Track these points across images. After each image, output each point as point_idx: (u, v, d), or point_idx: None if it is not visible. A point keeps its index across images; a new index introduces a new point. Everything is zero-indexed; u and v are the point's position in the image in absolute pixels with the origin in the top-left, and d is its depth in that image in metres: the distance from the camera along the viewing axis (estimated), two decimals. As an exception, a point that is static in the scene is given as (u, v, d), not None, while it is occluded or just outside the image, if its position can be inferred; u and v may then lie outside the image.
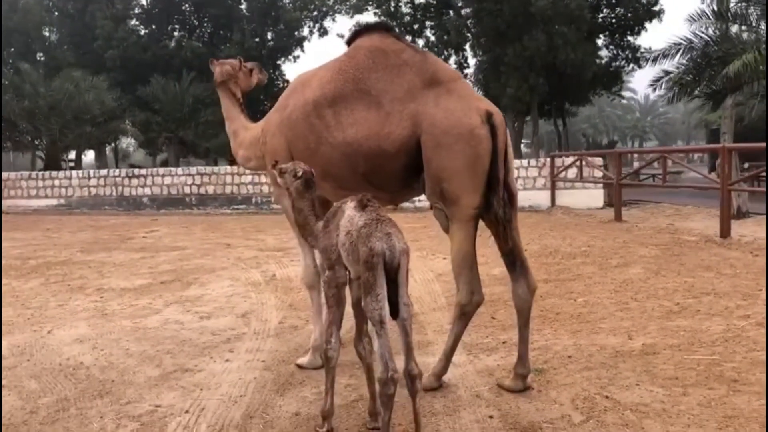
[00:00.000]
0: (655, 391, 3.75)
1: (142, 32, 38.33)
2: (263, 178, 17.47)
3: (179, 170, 18.86)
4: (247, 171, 18.03)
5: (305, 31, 38.82)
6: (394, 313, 3.02)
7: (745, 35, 18.20)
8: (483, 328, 5.16)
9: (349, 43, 4.35)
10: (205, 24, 39.63)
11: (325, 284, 3.39)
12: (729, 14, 18.74)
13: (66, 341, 5.15)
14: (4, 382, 4.21)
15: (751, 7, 18.84)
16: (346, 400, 3.80)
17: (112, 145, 41.39)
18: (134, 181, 18.64)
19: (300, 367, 4.39)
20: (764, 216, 11.28)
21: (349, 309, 3.45)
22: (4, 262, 8.88)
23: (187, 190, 18.02)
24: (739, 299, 5.65)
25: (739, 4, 19.13)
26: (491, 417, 3.51)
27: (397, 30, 32.08)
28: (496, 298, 5.92)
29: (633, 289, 6.28)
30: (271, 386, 4.05)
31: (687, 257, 7.91)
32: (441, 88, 3.88)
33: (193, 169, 18.68)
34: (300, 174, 3.52)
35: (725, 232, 9.19)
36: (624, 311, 5.51)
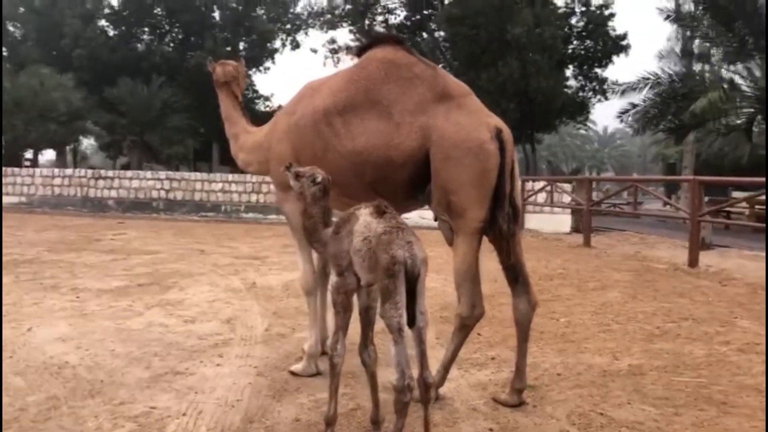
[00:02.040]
0: (648, 410, 3.84)
1: (111, 33, 37.75)
2: (234, 186, 17.35)
3: (148, 174, 18.56)
4: (217, 178, 17.89)
5: (277, 44, 38.85)
6: (411, 321, 3.06)
7: (707, 75, 18.90)
8: (471, 344, 5.19)
9: (359, 53, 4.39)
10: (176, 29, 39.26)
11: (333, 290, 3.39)
12: (693, 53, 19.48)
13: (48, 339, 5.03)
14: (-10, 377, 4.10)
15: (713, 48, 19.61)
16: (345, 408, 3.79)
17: (71, 146, 40.55)
18: (100, 183, 18.27)
19: (294, 374, 4.36)
20: (727, 248, 11.67)
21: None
22: (-30, 257, 8.61)
23: (154, 194, 17.75)
24: (717, 326, 5.82)
25: (704, 44, 19.90)
26: (491, 430, 3.55)
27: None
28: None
29: (612, 311, 6.42)
30: (267, 392, 4.03)
31: (660, 283, 8.12)
32: (452, 102, 3.95)
33: (162, 174, 18.41)
34: (319, 180, 3.53)
35: (693, 262, 9.46)
36: (606, 332, 5.63)
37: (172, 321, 5.72)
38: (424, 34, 29.98)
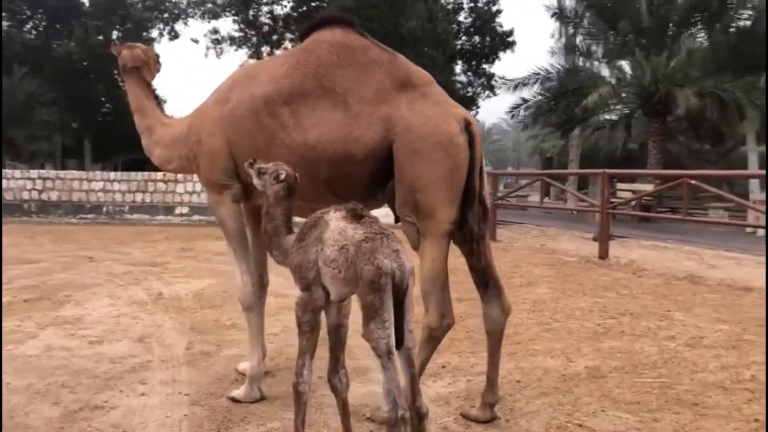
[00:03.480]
0: (624, 417, 3.64)
1: (-39, 18, 34.21)
2: (116, 185, 16.04)
3: (17, 173, 16.79)
4: (97, 177, 16.52)
5: (154, 33, 36.76)
6: (398, 342, 2.65)
7: (594, 70, 19.65)
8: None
9: (303, 36, 3.90)
10: (40, 15, 36.17)
11: (299, 307, 2.92)
12: (577, 49, 20.20)
13: None
14: None
15: (594, 45, 20.44)
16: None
17: None
18: (-42, 184, 16.31)
19: (235, 400, 3.82)
20: (624, 238, 12.08)
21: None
22: None
23: (25, 195, 16.05)
24: (656, 320, 5.81)
25: (584, 41, 20.70)
26: (472, 452, 3.21)
27: (255, 40, 31.38)
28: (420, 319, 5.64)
29: (548, 309, 6.29)
30: (209, 425, 3.48)
31: (580, 277, 8.15)
32: (415, 91, 3.56)
33: (33, 173, 16.70)
34: (283, 177, 3.05)
35: (604, 254, 9.62)
36: (550, 332, 5.46)
37: (74, 343, 4.96)
38: (312, 27, 29.28)
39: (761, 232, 12.09)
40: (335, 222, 2.82)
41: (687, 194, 9.47)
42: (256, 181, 3.15)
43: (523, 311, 6.17)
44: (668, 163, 18.15)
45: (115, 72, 35.70)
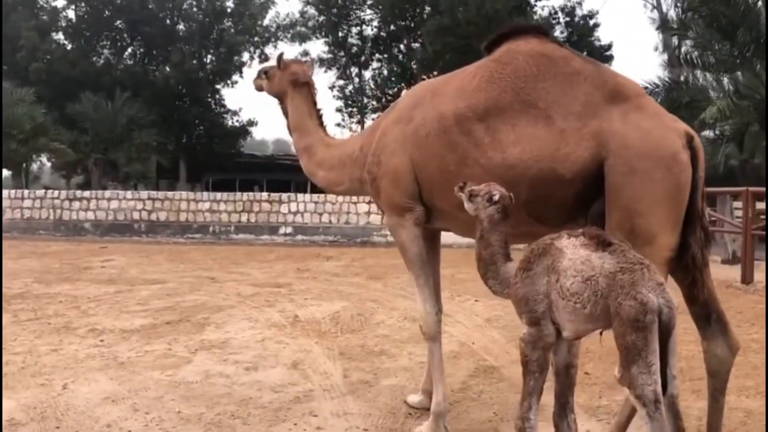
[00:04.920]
0: None
1: (69, 46, 36.09)
2: (222, 206, 16.30)
3: (128, 194, 17.36)
4: (204, 197, 16.85)
5: (245, 57, 37.76)
6: (662, 388, 2.32)
7: (705, 82, 18.66)
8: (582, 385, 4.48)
9: (490, 47, 3.63)
10: (138, 42, 37.81)
11: (526, 344, 2.62)
12: (684, 61, 19.22)
13: (94, 401, 4.11)
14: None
15: (705, 56, 19.27)
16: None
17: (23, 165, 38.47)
18: (75, 204, 16.96)
19: (420, 437, 3.56)
20: (759, 261, 11.23)
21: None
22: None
23: (135, 215, 16.54)
24: None
25: (691, 53, 19.67)
26: None
27: (345, 61, 31.65)
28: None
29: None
30: (404, 466, 3.21)
31: (732, 304, 7.51)
32: (627, 104, 3.22)
33: (143, 194, 17.24)
34: (497, 198, 2.78)
35: (749, 278, 8.91)
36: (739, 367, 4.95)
37: (230, 369, 4.84)
38: (401, 47, 29.42)
39: None
40: (573, 249, 2.53)
41: None
42: (467, 205, 2.90)
43: (685, 341, 5.67)
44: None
45: (208, 96, 37.02)
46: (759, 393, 4.37)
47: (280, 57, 4.48)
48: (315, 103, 4.44)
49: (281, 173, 36.13)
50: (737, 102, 15.12)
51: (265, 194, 16.56)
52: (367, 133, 4.18)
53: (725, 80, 17.67)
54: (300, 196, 16.64)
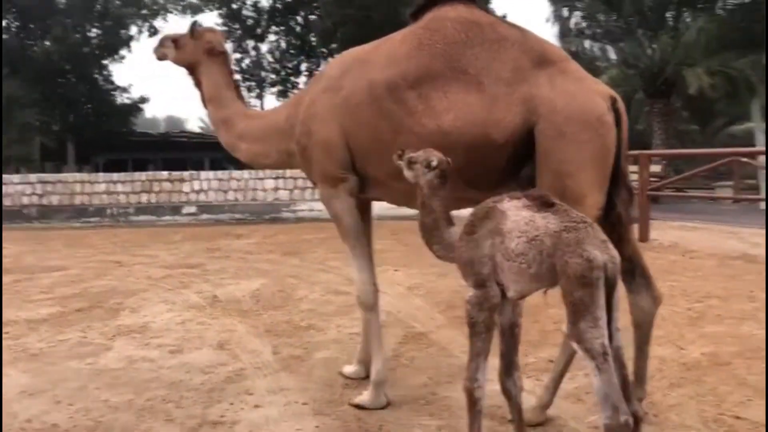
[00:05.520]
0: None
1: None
2: (120, 187, 15.53)
3: (15, 177, 16.22)
4: (100, 179, 16.03)
5: (133, 30, 35.87)
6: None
7: (601, 53, 19.46)
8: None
9: (416, 14, 3.62)
10: (13, 15, 35.10)
11: (472, 306, 2.67)
12: (574, 32, 19.99)
13: (8, 395, 3.84)
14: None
15: (591, 28, 20.10)
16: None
17: None
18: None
19: (360, 407, 3.57)
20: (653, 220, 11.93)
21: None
22: None
23: (25, 200, 15.46)
24: (746, 301, 5.67)
25: (579, 24, 20.45)
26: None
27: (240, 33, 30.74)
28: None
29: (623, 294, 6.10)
30: (350, 437, 3.22)
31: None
32: (553, 68, 3.31)
33: (33, 177, 16.12)
34: (435, 164, 2.80)
35: (644, 237, 9.48)
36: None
37: (154, 353, 4.66)
38: (299, 19, 28.87)
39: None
40: (516, 211, 2.59)
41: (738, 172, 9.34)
42: (406, 173, 2.91)
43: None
44: (672, 144, 18.15)
45: (95, 72, 35.02)
46: (669, 341, 4.66)
47: (193, 25, 4.29)
48: (231, 74, 4.30)
49: (176, 152, 34.86)
50: (625, 71, 15.91)
51: (165, 173, 15.87)
52: (292, 103, 4.09)
53: (610, 49, 18.51)
54: (203, 173, 16.10)
